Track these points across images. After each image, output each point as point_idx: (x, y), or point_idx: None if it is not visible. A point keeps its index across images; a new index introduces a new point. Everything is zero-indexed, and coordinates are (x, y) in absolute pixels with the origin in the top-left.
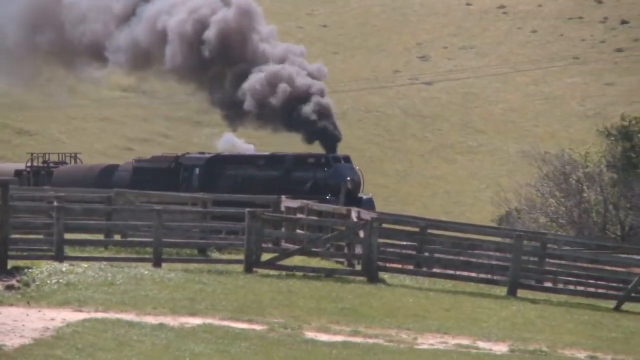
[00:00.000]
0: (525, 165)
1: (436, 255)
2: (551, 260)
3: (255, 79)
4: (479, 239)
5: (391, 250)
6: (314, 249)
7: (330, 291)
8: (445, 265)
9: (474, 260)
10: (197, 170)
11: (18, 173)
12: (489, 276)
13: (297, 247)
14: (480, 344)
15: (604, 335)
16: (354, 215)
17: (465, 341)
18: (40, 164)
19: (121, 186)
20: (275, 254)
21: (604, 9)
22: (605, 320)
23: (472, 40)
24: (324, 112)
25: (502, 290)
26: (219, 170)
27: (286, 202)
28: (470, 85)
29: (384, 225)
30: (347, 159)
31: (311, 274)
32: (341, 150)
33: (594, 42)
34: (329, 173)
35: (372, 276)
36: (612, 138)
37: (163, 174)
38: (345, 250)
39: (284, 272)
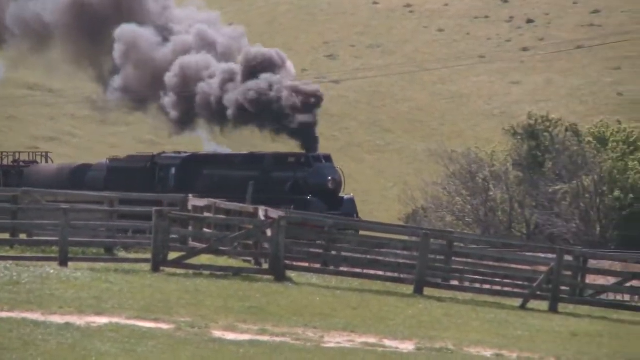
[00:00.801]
0: (432, 164)
1: (343, 253)
2: (458, 259)
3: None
4: (386, 237)
5: (299, 248)
6: (221, 248)
7: (238, 290)
8: (353, 264)
9: (381, 258)
10: (173, 170)
11: None
12: (396, 274)
13: (204, 246)
14: (387, 342)
15: (510, 333)
16: (261, 213)
17: (371, 339)
18: (10, 163)
19: (95, 186)
20: (183, 253)
21: (510, 8)
22: (511, 318)
23: (379, 38)
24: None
25: (409, 289)
26: (195, 170)
27: (193, 201)
28: (378, 84)
29: (292, 223)
30: (327, 158)
31: (218, 273)
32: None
33: (499, 41)
34: (310, 173)
35: (279, 275)
36: (518, 137)
37: (138, 174)
38: (253, 249)
39: (191, 271)
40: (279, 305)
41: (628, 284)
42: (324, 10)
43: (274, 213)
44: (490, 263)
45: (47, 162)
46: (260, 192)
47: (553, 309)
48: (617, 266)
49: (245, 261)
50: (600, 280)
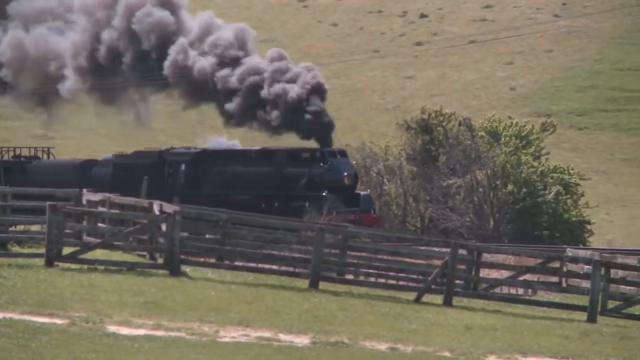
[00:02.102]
0: None
1: (238, 248)
2: (353, 253)
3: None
4: (281, 232)
5: (194, 243)
6: (116, 243)
7: (132, 285)
8: (248, 258)
9: (276, 253)
10: (182, 166)
11: None
12: (291, 269)
13: (99, 240)
14: (282, 337)
15: (405, 327)
16: (156, 208)
17: (267, 334)
18: (11, 159)
19: (101, 183)
20: (77, 248)
21: (403, 2)
22: (405, 312)
23: (273, 33)
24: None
25: (304, 283)
26: (206, 166)
27: (87, 196)
28: None
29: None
30: (343, 153)
31: (113, 268)
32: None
33: (393, 35)
34: (325, 168)
35: (174, 269)
36: (412, 131)
37: (146, 171)
38: (148, 244)
39: (85, 266)
40: (174, 300)
41: (521, 278)
42: (218, 4)
43: (169, 207)
44: (385, 257)
45: (48, 157)
46: (273, 188)
47: (447, 303)
48: (511, 260)
49: (140, 256)
50: (494, 274)
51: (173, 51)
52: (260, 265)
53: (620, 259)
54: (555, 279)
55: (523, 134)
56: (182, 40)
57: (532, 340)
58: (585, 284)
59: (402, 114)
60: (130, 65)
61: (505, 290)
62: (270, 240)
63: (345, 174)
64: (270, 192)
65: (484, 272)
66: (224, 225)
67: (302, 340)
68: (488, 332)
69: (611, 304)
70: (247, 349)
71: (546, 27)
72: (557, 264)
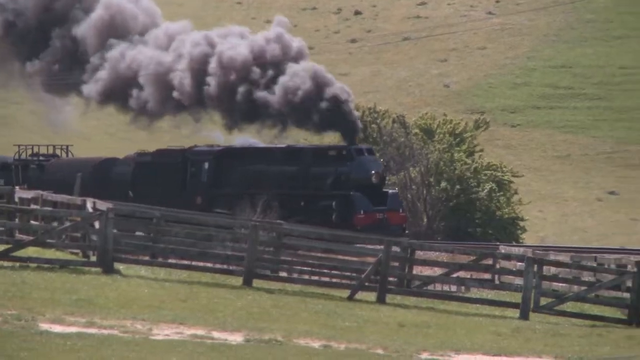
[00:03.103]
0: None
1: (172, 246)
2: (287, 250)
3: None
4: (214, 229)
5: (127, 240)
6: (48, 240)
7: (65, 282)
8: (181, 256)
9: (209, 250)
10: (206, 165)
11: (4, 167)
12: (225, 266)
13: (31, 238)
14: (216, 334)
15: (338, 324)
16: (89, 205)
17: (200, 331)
18: (29, 157)
19: (122, 182)
20: (9, 245)
21: (338, 0)
22: (339, 309)
23: (207, 30)
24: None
25: (238, 281)
26: (230, 165)
27: (20, 193)
28: None
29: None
30: (370, 151)
31: (46, 266)
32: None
33: (328, 32)
34: (352, 166)
35: (107, 267)
36: None
37: (168, 169)
38: (81, 242)
39: (17, 264)
40: (107, 297)
41: (454, 275)
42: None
43: (102, 205)
44: (319, 254)
45: (67, 155)
46: (299, 188)
47: (381, 300)
48: (444, 257)
49: (73, 253)
50: (427, 271)
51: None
52: (194, 263)
53: (552, 256)
54: (488, 276)
55: (457, 131)
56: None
57: (465, 337)
58: (518, 281)
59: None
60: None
61: (438, 287)
62: (204, 238)
63: (373, 172)
64: (296, 191)
65: (417, 270)
66: (157, 222)
67: (236, 338)
68: (421, 329)
69: (544, 301)
70: (180, 347)
71: (480, 24)
72: (490, 261)
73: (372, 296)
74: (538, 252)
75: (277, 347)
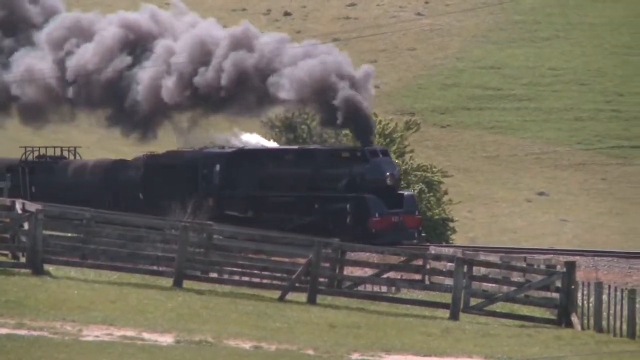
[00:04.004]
0: None
1: (102, 247)
2: (217, 251)
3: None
4: (145, 230)
5: (57, 242)
6: None
7: None
8: (111, 257)
9: (140, 252)
10: (217, 167)
11: (11, 169)
12: (155, 267)
13: None
14: (146, 335)
15: (269, 325)
16: (18, 207)
17: (130, 332)
18: (36, 159)
19: (132, 184)
20: None
21: (268, 1)
22: (269, 310)
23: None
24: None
25: (168, 282)
26: (242, 167)
27: None
28: None
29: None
30: (385, 152)
31: None
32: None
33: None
34: (367, 168)
35: (37, 268)
36: (276, 129)
37: (179, 172)
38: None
39: None
40: (36, 298)
41: (385, 276)
42: (81, 2)
43: (32, 206)
44: (250, 255)
45: (74, 157)
46: (312, 189)
47: (311, 301)
48: (375, 258)
49: (2, 255)
50: (358, 272)
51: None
52: (124, 264)
53: (482, 257)
54: (418, 277)
55: (387, 132)
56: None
57: (395, 338)
58: (448, 281)
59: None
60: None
61: (368, 288)
62: (134, 239)
63: (388, 173)
64: (310, 194)
65: (348, 270)
66: (87, 223)
67: (166, 339)
68: (352, 329)
69: (473, 302)
70: (110, 348)
71: (409, 25)
72: (420, 262)
73: (302, 297)
74: (468, 252)
75: (208, 348)
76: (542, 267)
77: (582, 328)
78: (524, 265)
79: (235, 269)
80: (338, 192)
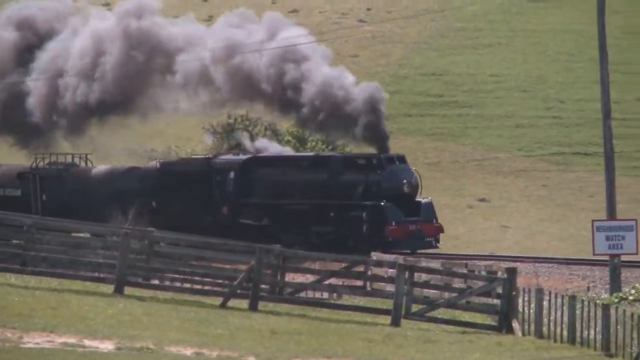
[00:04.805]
0: (132, 163)
1: (43, 254)
2: (159, 258)
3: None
4: (86, 237)
5: None
6: None
7: None
8: (53, 264)
9: (81, 258)
10: (232, 174)
11: (21, 177)
12: (96, 274)
13: None
14: (87, 342)
15: (210, 331)
16: None
17: (71, 339)
18: (46, 166)
19: (144, 192)
20: None
21: (209, 7)
22: (211, 317)
23: None
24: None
25: (110, 288)
26: (256, 174)
27: None
28: None
29: None
30: (401, 159)
31: None
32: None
33: None
34: (383, 175)
35: None
36: (218, 136)
37: (193, 179)
38: None
39: None
40: None
41: (326, 282)
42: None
43: None
44: (191, 262)
45: (86, 164)
46: (328, 197)
47: (253, 307)
48: (316, 264)
49: None
50: (300, 279)
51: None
52: (65, 271)
53: (424, 263)
54: (359, 283)
55: (329, 139)
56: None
57: (336, 344)
58: (390, 287)
59: (208, 119)
60: None
61: (310, 294)
62: (75, 246)
63: (405, 181)
64: (325, 201)
65: (290, 277)
66: (28, 230)
67: (107, 346)
68: (293, 336)
69: (415, 308)
70: (51, 355)
71: (351, 32)
72: (361, 268)
73: (244, 303)
74: (409, 258)
75: (149, 355)
76: (483, 273)
77: (523, 334)
78: (465, 272)
79: (176, 275)
80: (354, 200)
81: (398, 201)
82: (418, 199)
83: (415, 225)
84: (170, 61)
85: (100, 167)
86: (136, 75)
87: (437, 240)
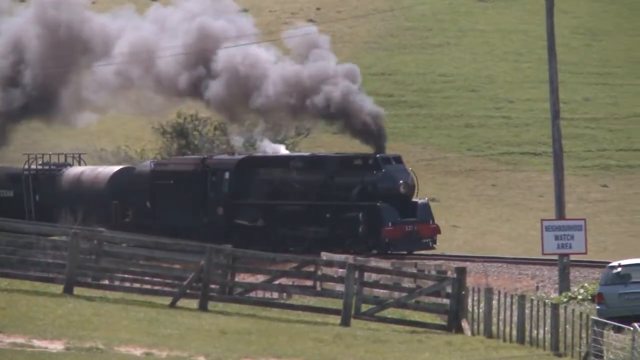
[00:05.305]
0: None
1: None
2: (108, 258)
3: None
4: (35, 237)
5: None
6: None
7: None
8: (1, 264)
9: (30, 258)
10: (227, 174)
11: (14, 178)
12: (45, 274)
13: None
14: (36, 342)
15: (160, 332)
16: None
17: (20, 339)
18: (39, 166)
19: (139, 192)
20: None
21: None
22: (161, 317)
23: None
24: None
25: (59, 288)
26: (251, 174)
27: None
28: None
29: None
30: (398, 160)
31: None
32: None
33: None
34: (379, 176)
35: None
36: (168, 135)
37: (188, 179)
38: None
39: None
40: None
41: (276, 282)
42: None
43: None
44: (141, 262)
45: (80, 164)
46: (323, 198)
47: (203, 308)
48: (265, 264)
49: None
50: (250, 279)
51: None
52: (14, 271)
53: (373, 263)
54: (310, 283)
55: (278, 139)
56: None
57: (286, 344)
58: (340, 287)
59: (158, 119)
60: None
61: (260, 294)
62: (24, 246)
63: (401, 181)
64: (321, 202)
65: (240, 277)
66: None
67: (56, 346)
68: (243, 336)
69: (365, 308)
70: (0, 356)
71: (301, 31)
72: (311, 268)
73: (194, 303)
74: (359, 258)
75: (98, 355)
76: (433, 273)
77: (473, 334)
78: (415, 271)
79: (126, 275)
80: (350, 200)
81: (394, 202)
82: (414, 199)
83: (412, 226)
84: (92, 58)
85: (93, 167)
86: (58, 72)
87: (434, 241)
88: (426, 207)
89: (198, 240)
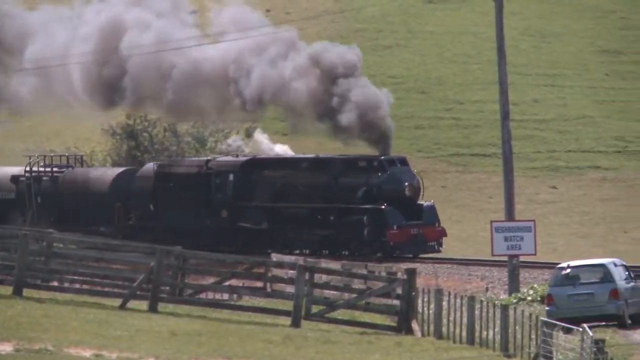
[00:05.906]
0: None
1: None
2: (58, 260)
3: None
4: None
5: None
6: None
7: None
8: None
9: None
10: (231, 177)
11: (15, 179)
12: None
13: None
14: None
15: (110, 333)
16: None
17: None
18: (40, 168)
19: (142, 195)
20: None
21: None
22: (111, 318)
23: None
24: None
25: (8, 290)
26: (256, 176)
27: None
28: None
29: None
30: (403, 162)
31: None
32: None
33: None
34: (384, 178)
35: None
36: (118, 137)
37: (192, 181)
38: None
39: None
40: None
41: (227, 283)
42: None
43: None
44: (91, 263)
45: (82, 166)
46: (328, 200)
47: (153, 309)
48: (217, 266)
49: None
50: (200, 280)
51: None
52: None
53: (324, 264)
54: (260, 284)
55: (229, 140)
56: None
57: (237, 345)
58: (290, 289)
59: (107, 120)
60: None
61: (210, 295)
62: None
63: (406, 184)
64: (325, 204)
65: (190, 278)
66: None
67: (5, 348)
68: (193, 337)
69: (315, 309)
70: None
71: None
72: (262, 269)
73: (144, 305)
74: (309, 260)
75: (48, 356)
76: (383, 274)
77: (423, 335)
78: (365, 273)
79: (76, 277)
80: (354, 203)
81: (399, 204)
82: (420, 202)
83: (417, 229)
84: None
85: (96, 169)
86: None
87: (440, 244)
88: (432, 209)
89: (202, 243)
